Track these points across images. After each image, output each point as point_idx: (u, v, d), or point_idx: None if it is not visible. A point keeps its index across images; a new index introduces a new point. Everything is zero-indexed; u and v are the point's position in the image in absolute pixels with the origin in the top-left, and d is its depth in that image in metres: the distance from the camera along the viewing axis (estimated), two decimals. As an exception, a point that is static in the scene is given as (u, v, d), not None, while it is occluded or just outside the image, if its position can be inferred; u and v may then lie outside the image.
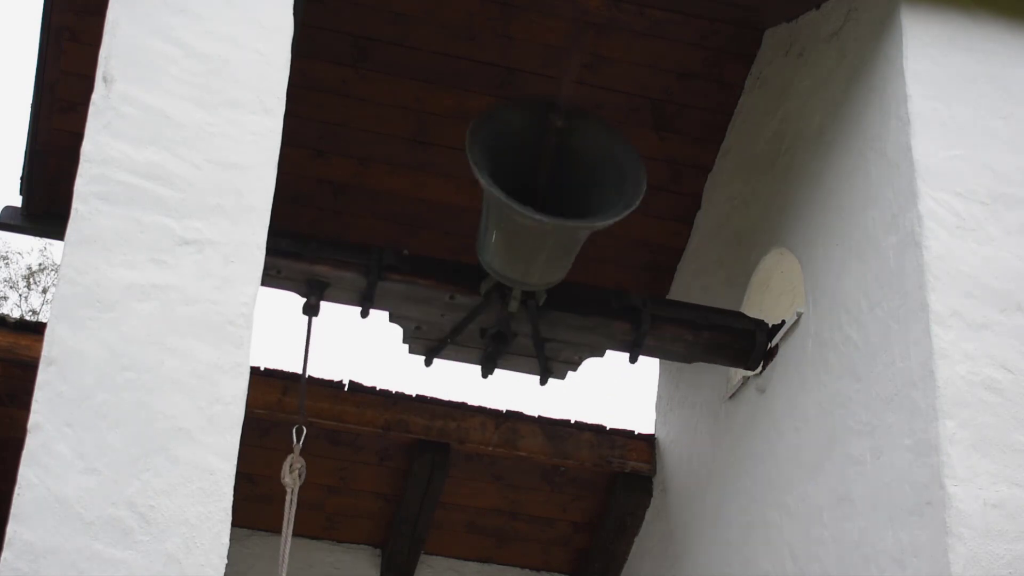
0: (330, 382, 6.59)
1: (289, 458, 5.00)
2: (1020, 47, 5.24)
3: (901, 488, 4.57)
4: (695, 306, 6.03)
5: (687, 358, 5.97)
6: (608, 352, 5.94)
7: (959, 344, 4.61)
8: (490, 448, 6.70)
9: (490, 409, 6.72)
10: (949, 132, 5.00)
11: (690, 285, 6.77)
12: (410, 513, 6.87)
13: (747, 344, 5.83)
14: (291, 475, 4.97)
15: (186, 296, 4.06)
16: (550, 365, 5.85)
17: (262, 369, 6.45)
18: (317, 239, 5.61)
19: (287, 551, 4.71)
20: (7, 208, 6.60)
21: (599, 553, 7.11)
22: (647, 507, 6.91)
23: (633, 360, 5.89)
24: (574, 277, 5.70)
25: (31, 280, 17.89)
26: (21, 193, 6.53)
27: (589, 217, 5.24)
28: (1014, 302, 4.74)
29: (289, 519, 4.80)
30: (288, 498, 4.88)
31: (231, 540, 3.84)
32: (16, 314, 16.01)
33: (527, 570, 7.28)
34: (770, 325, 5.83)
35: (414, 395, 6.66)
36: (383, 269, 5.51)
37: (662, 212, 6.88)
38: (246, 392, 4.00)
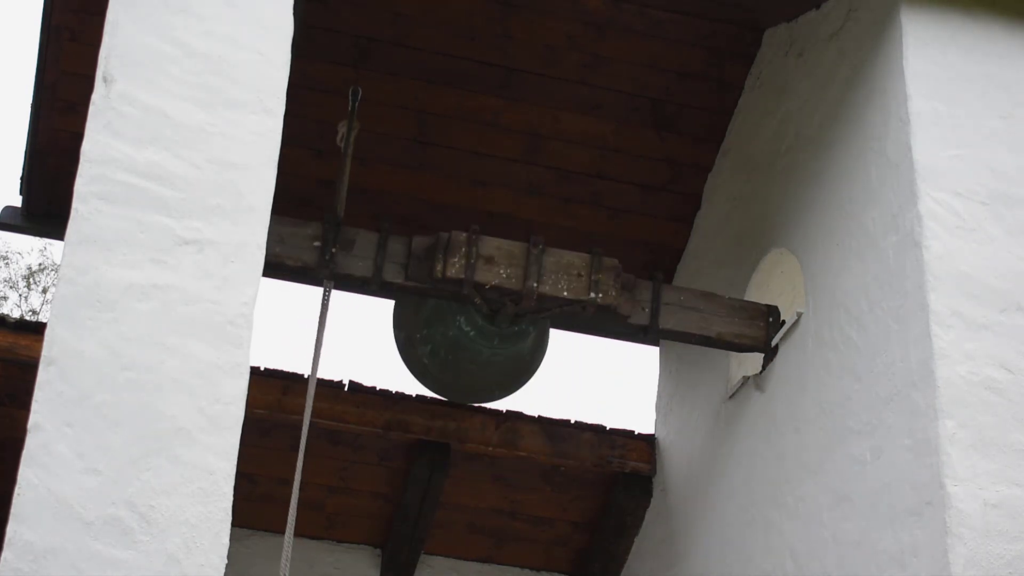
0: (330, 382, 6.58)
1: (343, 124, 5.51)
2: (1020, 47, 5.24)
3: (901, 488, 4.57)
4: (706, 292, 5.95)
5: (699, 340, 5.86)
6: (612, 343, 5.94)
7: (959, 344, 4.61)
8: (490, 448, 6.70)
9: (490, 409, 6.71)
10: (949, 132, 5.00)
11: (690, 285, 6.77)
12: (410, 513, 6.87)
13: (759, 327, 5.77)
14: (346, 135, 5.46)
15: (186, 296, 4.06)
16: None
17: (262, 369, 6.45)
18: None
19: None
20: (7, 208, 6.61)
21: (599, 553, 7.11)
22: (647, 507, 6.91)
23: (648, 341, 5.87)
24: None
25: (31, 280, 17.89)
26: (21, 193, 6.53)
27: None
28: (1014, 302, 4.74)
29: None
30: (344, 137, 5.46)
31: (231, 540, 3.85)
32: (16, 314, 16.02)
33: (527, 570, 7.27)
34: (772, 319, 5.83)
35: (414, 395, 6.65)
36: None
37: (662, 212, 6.89)
38: (246, 392, 4.01)
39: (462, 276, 5.30)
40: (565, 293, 5.36)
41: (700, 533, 6.19)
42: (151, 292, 4.04)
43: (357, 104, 5.70)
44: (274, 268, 5.21)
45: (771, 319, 5.77)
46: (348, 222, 5.54)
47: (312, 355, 5.32)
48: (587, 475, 6.99)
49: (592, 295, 5.36)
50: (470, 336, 5.60)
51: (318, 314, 5.40)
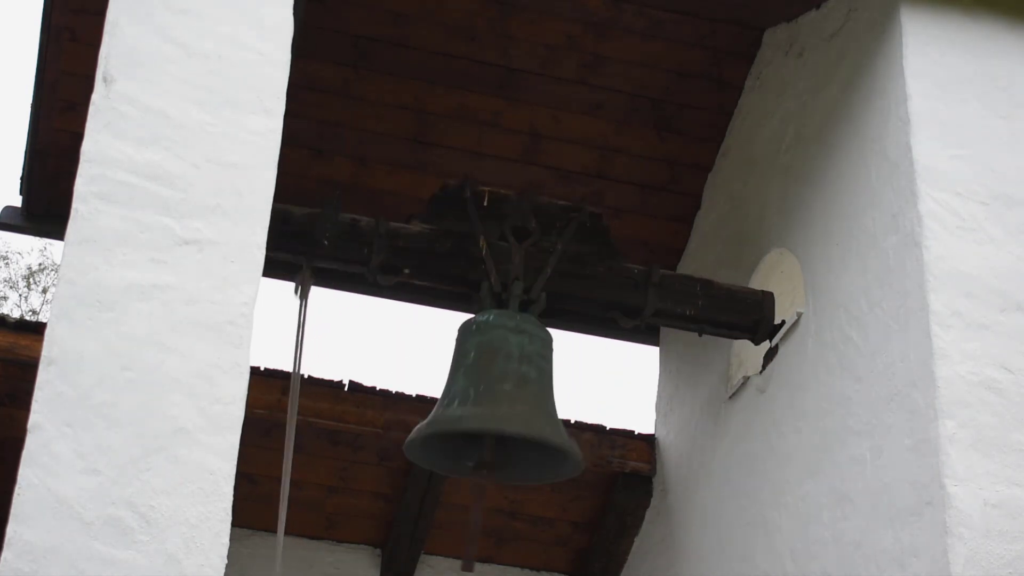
0: (330, 382, 6.58)
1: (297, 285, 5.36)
2: (1020, 47, 5.24)
3: (901, 488, 4.57)
4: (703, 279, 5.93)
5: (694, 326, 5.82)
6: (612, 343, 5.95)
7: (959, 344, 4.61)
8: (490, 448, 6.68)
9: (490, 409, 6.71)
10: (949, 132, 5.00)
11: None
12: (410, 513, 6.87)
13: (755, 316, 5.76)
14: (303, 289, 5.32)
15: (186, 296, 4.06)
16: None
17: (262, 369, 6.44)
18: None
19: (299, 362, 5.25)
20: (7, 208, 6.61)
21: (599, 553, 7.11)
22: (647, 507, 6.91)
23: (640, 328, 5.88)
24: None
25: (31, 280, 17.92)
26: (21, 193, 6.53)
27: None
28: (1014, 302, 4.74)
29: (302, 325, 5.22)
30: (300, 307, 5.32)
31: (231, 540, 3.84)
32: (16, 314, 16.03)
33: (527, 570, 7.28)
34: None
35: (414, 395, 6.65)
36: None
37: (662, 212, 6.89)
38: (246, 392, 4.01)
39: (462, 181, 5.56)
40: (560, 201, 5.63)
41: (700, 533, 6.20)
42: (151, 292, 4.04)
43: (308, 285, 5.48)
44: (283, 220, 5.09)
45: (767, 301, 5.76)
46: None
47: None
48: (587, 475, 6.98)
49: (584, 203, 5.65)
50: (491, 324, 5.40)
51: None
